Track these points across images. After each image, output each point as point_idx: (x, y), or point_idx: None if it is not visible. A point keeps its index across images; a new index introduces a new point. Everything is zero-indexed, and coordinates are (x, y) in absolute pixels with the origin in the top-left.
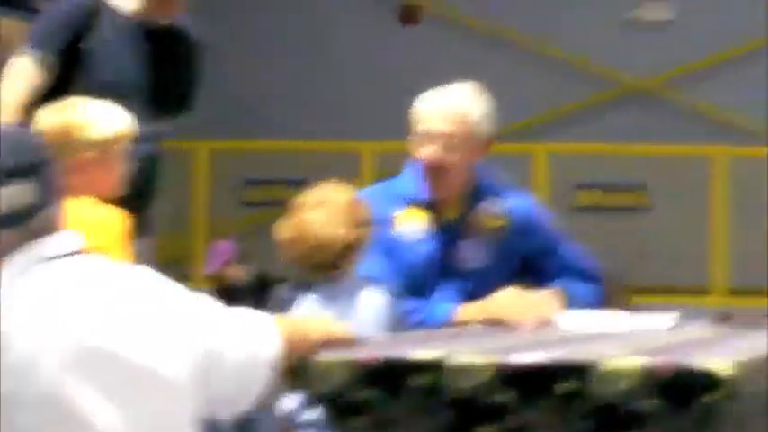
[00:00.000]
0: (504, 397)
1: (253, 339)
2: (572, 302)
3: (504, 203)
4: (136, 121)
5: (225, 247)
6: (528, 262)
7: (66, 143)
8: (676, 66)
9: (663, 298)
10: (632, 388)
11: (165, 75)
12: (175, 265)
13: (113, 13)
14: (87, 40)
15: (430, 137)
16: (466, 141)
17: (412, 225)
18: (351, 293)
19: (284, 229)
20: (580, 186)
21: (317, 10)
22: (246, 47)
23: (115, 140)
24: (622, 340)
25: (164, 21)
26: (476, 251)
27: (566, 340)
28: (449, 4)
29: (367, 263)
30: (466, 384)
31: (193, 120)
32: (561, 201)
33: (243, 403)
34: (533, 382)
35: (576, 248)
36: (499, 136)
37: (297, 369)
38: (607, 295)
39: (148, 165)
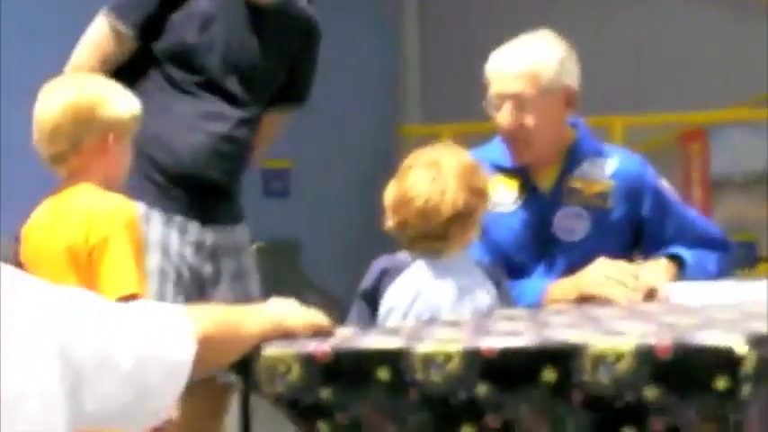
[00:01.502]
0: (481, 390)
1: (153, 338)
2: (693, 272)
3: (607, 165)
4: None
5: None
6: (640, 230)
7: (90, 120)
8: None
9: None
10: (628, 373)
11: (277, 58)
12: None
13: None
14: (181, 9)
15: (501, 99)
16: (542, 99)
17: (501, 196)
18: (463, 273)
19: (389, 192)
20: None
21: None
22: None
23: (134, 121)
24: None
25: None
26: (577, 221)
27: (645, 315)
28: None
29: None
30: (436, 378)
31: None
32: None
33: (149, 411)
34: (513, 372)
35: (695, 213)
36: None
37: (240, 367)
38: (735, 264)
39: (243, 151)
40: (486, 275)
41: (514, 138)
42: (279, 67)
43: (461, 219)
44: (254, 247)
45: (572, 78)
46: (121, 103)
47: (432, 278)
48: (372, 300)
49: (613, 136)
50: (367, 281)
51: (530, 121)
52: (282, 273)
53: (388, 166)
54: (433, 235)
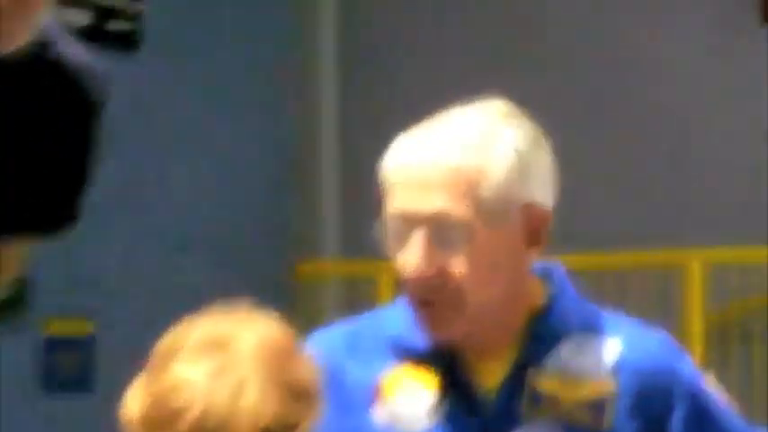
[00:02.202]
0: None
1: None
2: None
3: (605, 349)
4: None
5: None
6: None
7: None
8: None
9: None
10: None
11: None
12: None
13: None
14: None
15: (407, 223)
16: (483, 226)
17: (407, 402)
18: None
19: (135, 398)
20: None
21: None
22: None
23: None
24: None
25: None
26: None
27: None
28: None
29: None
30: None
31: None
32: None
33: None
34: None
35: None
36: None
37: None
38: None
39: None
40: None
41: (430, 295)
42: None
43: None
44: None
45: (541, 188)
46: None
47: None
48: None
49: (688, 285)
50: None
51: (458, 266)
52: None
53: None
54: None
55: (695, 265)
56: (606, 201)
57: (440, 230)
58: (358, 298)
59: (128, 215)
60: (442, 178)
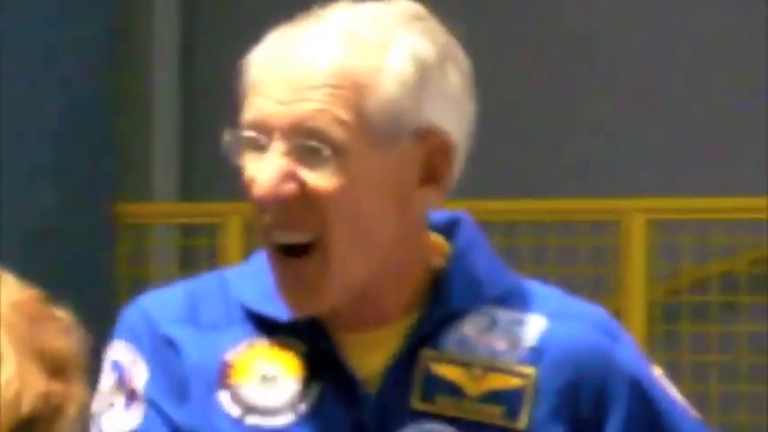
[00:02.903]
0: None
1: None
2: None
3: (526, 325)
4: None
5: None
6: None
7: None
8: None
9: None
10: None
11: None
12: None
13: None
14: None
15: (264, 131)
16: (366, 145)
17: (263, 390)
18: None
19: None
20: None
21: None
22: None
23: None
24: None
25: None
26: None
27: None
28: None
29: None
30: None
31: None
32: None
33: None
34: None
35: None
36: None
37: None
38: None
39: None
40: None
41: (288, 230)
42: None
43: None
44: None
45: (445, 112)
46: None
47: None
48: None
49: (628, 243)
50: None
51: (326, 186)
52: None
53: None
54: None
55: (638, 218)
56: (528, 141)
57: (307, 144)
58: (195, 252)
59: None
60: (317, 79)
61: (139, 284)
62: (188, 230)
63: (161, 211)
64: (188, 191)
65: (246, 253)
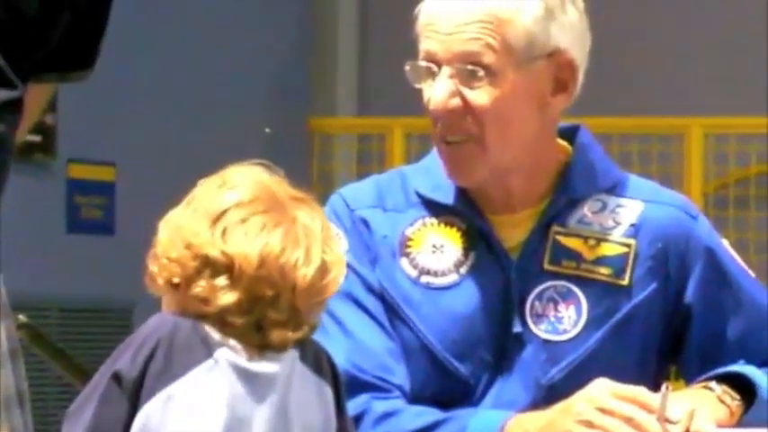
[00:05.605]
0: None
1: None
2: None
3: (627, 210)
4: None
5: None
6: (681, 328)
7: None
8: None
9: None
10: None
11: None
12: None
13: None
14: None
15: (437, 61)
16: (511, 68)
17: (433, 256)
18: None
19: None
20: None
21: None
22: None
23: None
24: None
25: None
26: (566, 306)
27: None
28: None
29: (330, 336)
30: None
31: None
32: None
33: None
34: None
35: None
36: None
37: None
38: None
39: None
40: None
41: (453, 131)
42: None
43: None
44: None
45: (570, 39)
46: None
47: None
48: (134, 393)
49: (689, 151)
50: (128, 359)
51: (483, 102)
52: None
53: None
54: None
55: (696, 131)
56: (612, 67)
57: (467, 69)
58: (368, 155)
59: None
60: (472, 18)
61: (327, 180)
62: (363, 138)
63: (343, 124)
64: (363, 108)
65: (407, 156)
